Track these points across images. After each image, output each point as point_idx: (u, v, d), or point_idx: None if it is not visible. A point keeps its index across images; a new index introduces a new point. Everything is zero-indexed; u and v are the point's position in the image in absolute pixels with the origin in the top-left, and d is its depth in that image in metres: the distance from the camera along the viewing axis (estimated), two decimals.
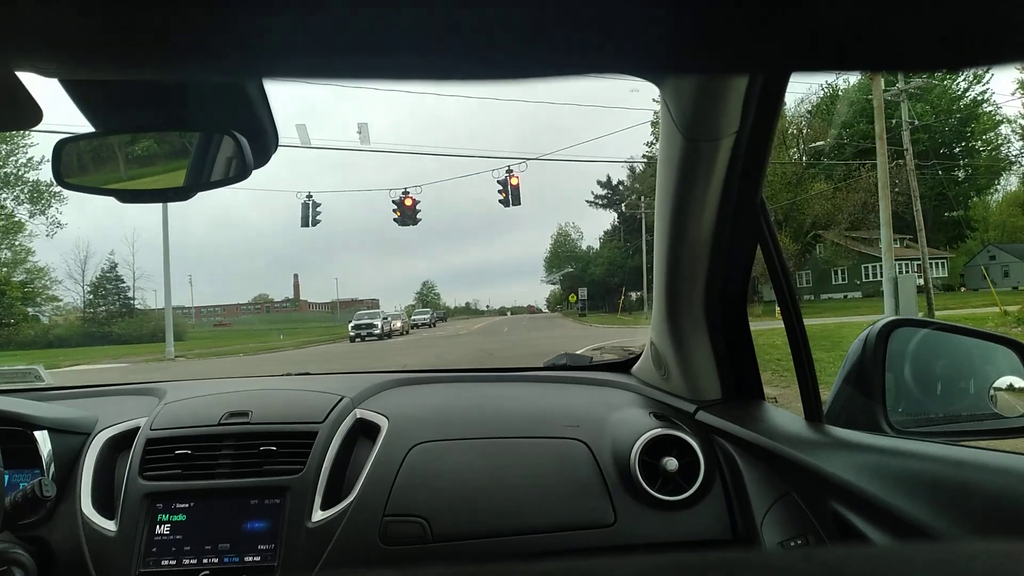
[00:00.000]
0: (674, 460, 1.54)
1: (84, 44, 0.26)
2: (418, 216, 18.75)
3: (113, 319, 44.76)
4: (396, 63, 0.27)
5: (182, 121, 0.90)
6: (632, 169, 51.00)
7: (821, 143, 35.08)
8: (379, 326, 29.92)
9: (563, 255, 68.23)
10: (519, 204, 17.99)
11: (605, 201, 58.93)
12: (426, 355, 16.47)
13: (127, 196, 0.97)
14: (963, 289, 35.50)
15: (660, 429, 1.58)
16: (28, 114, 0.67)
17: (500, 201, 18.03)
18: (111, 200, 0.96)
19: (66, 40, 0.25)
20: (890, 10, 0.24)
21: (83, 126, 0.90)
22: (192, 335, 50.66)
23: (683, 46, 0.27)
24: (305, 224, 19.51)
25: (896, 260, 34.69)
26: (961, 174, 41.06)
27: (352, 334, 29.85)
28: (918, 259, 35.42)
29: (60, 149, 0.94)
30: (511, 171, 17.87)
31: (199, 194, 0.98)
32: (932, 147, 36.81)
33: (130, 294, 47.89)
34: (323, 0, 0.24)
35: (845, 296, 36.30)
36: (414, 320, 43.70)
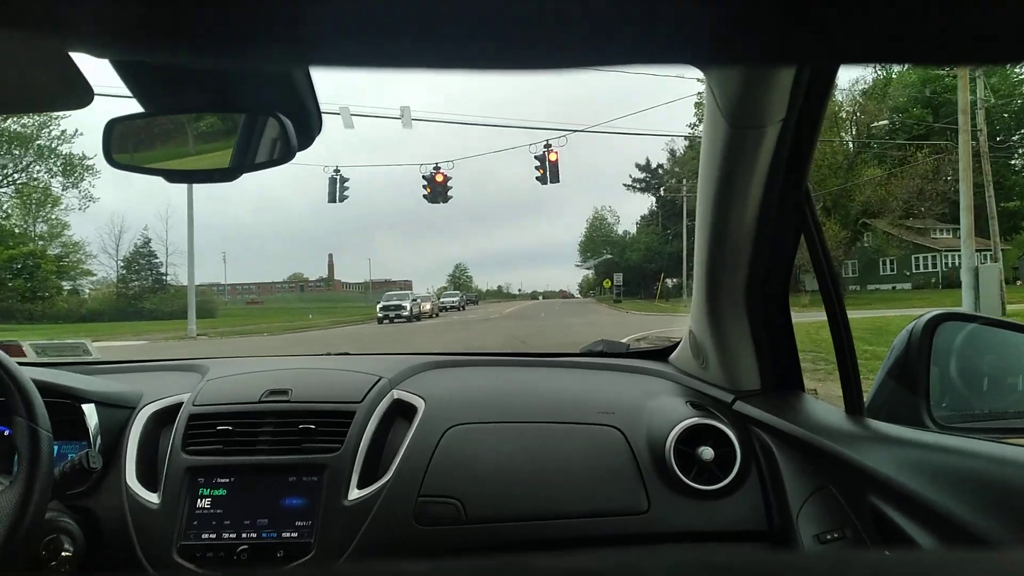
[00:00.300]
0: (710, 449, 1.53)
1: (136, 27, 0.27)
2: (449, 193, 17.92)
3: (145, 294, 45.12)
4: (440, 51, 0.27)
5: (229, 102, 0.91)
6: (672, 152, 49.98)
7: (880, 123, 33.55)
8: (408, 308, 29.32)
9: (599, 239, 67.14)
10: (557, 181, 17.02)
11: (643, 185, 57.31)
12: (451, 341, 16.19)
13: (175, 176, 0.99)
14: (1019, 283, 33.67)
15: (697, 418, 1.57)
16: (80, 94, 0.69)
17: (538, 178, 17.09)
18: (148, 176, 0.98)
19: (118, 23, 0.26)
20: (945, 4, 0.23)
21: (129, 105, 0.91)
22: (224, 312, 51.01)
23: (730, 38, 0.27)
24: (332, 200, 19.09)
25: (947, 251, 33.06)
26: (1018, 163, 39.05)
27: (380, 315, 29.30)
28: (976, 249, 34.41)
29: (111, 129, 0.95)
30: (549, 146, 16.79)
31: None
32: (990, 132, 35.12)
33: (163, 270, 48.33)
34: (360, 5, 0.24)
35: (893, 287, 35.30)
36: (442, 303, 42.39)
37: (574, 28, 0.26)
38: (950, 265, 33.71)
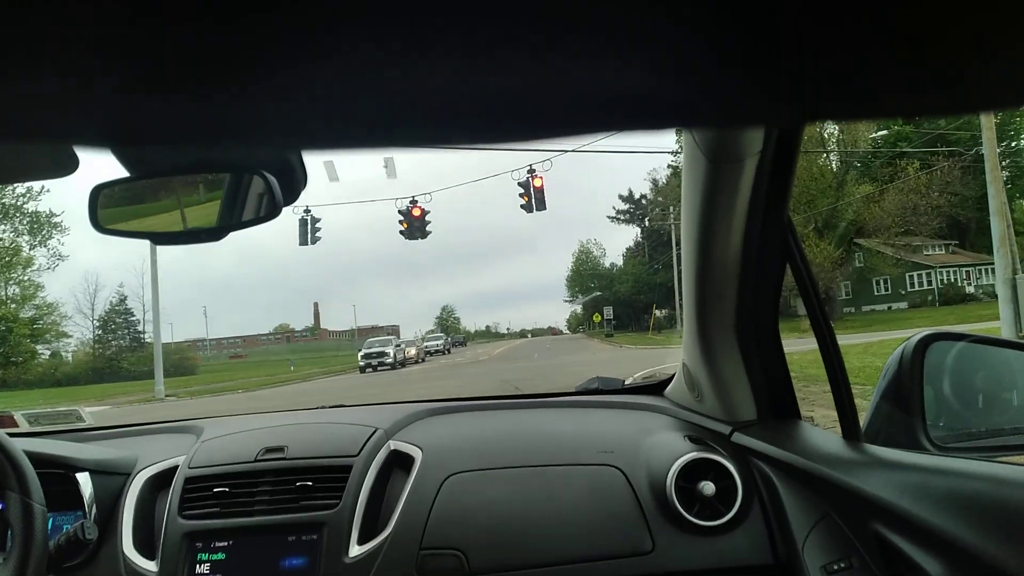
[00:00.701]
0: (711, 484, 1.52)
1: (129, 125, 0.28)
2: (428, 228, 16.48)
3: (123, 354, 43.23)
4: (423, 133, 0.28)
5: (214, 162, 0.93)
6: (655, 181, 49.41)
7: (879, 132, 32.72)
8: (391, 354, 27.28)
9: (586, 273, 66.30)
10: (544, 208, 15.62)
11: (628, 216, 56.44)
12: (438, 391, 15.07)
13: (162, 239, 1.00)
14: None
15: (695, 453, 1.56)
16: (66, 162, 0.70)
17: (523, 207, 15.71)
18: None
19: (111, 121, 0.27)
20: (911, 58, 0.24)
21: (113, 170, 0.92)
22: (205, 368, 49.25)
23: (697, 106, 0.28)
24: (304, 242, 17.95)
25: (942, 267, 32.52)
26: (1005, 174, 38.32)
27: (362, 363, 27.42)
28: (965, 265, 33.57)
29: (96, 194, 0.96)
30: (533, 171, 15.37)
31: None
32: (975, 142, 34.49)
33: (140, 327, 45.99)
34: (347, 83, 0.24)
35: (889, 307, 33.72)
36: (426, 346, 39.19)
37: (546, 109, 0.27)
38: (946, 282, 33.12)
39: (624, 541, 1.52)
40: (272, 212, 0.93)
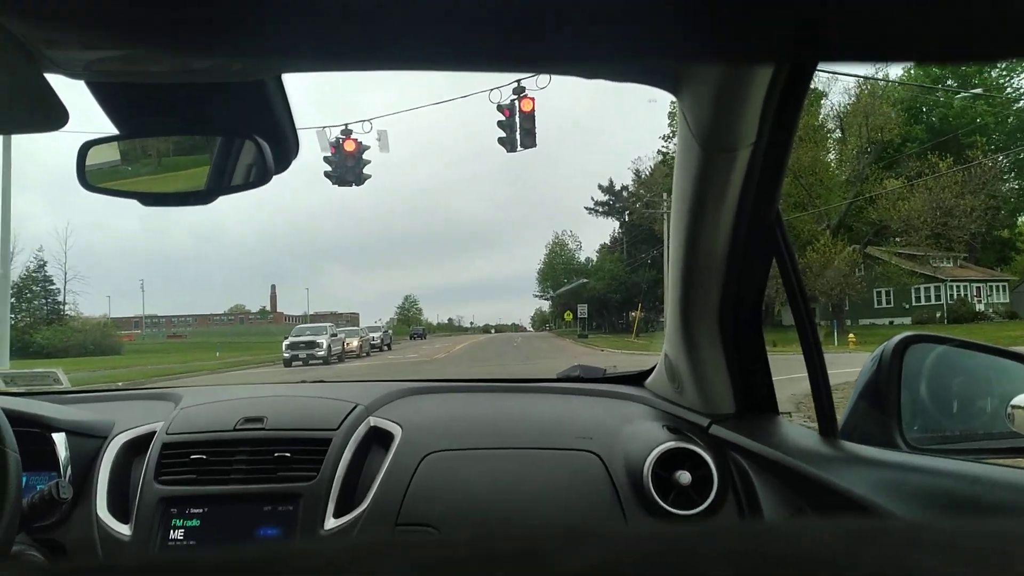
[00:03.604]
0: (687, 474, 1.53)
1: (108, 40, 0.27)
2: (366, 170, 11.81)
3: (37, 327, 38.96)
4: (407, 51, 0.27)
5: (205, 125, 0.92)
6: (637, 172, 47.04)
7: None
8: (324, 346, 22.92)
9: (559, 267, 63.88)
10: (534, 145, 10.93)
11: (607, 208, 53.03)
12: None
13: (149, 199, 0.99)
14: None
15: (673, 442, 1.57)
16: (55, 115, 0.69)
17: (501, 141, 10.99)
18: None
19: (90, 37, 0.26)
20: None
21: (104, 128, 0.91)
22: (135, 348, 45.05)
23: (711, 35, 0.27)
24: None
25: (953, 281, 30.88)
26: (1011, 187, 35.70)
27: (287, 355, 22.88)
28: (976, 280, 32.21)
29: (85, 151, 0.95)
30: (523, 91, 10.63)
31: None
32: (984, 153, 32.04)
33: (60, 298, 42.42)
34: None
35: (891, 322, 31.02)
36: (371, 338, 33.39)
37: (545, 31, 0.26)
38: (955, 297, 31.07)
39: (599, 526, 1.53)
40: (262, 178, 0.92)
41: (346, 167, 11.62)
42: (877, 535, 0.25)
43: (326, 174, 11.79)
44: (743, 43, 0.28)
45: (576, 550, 0.25)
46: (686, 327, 1.61)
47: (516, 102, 10.74)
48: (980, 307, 31.30)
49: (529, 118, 10.78)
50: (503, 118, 10.82)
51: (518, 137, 10.86)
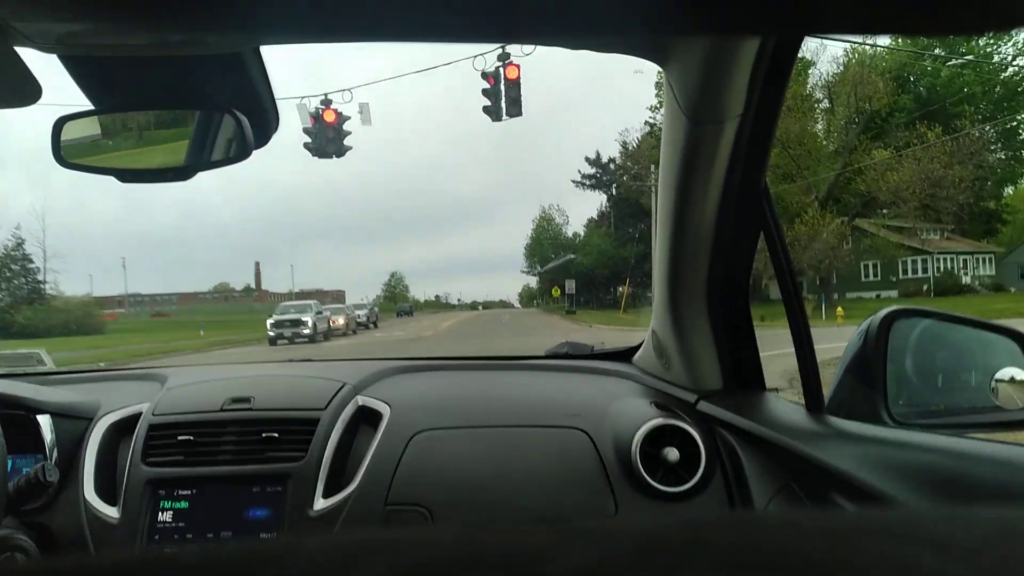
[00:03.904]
0: (675, 450, 1.54)
1: (79, 13, 0.26)
2: (346, 142, 11.53)
3: (18, 307, 37.51)
4: (388, 23, 0.26)
5: (183, 99, 0.90)
6: (624, 145, 45.36)
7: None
8: (310, 323, 22.40)
9: (547, 242, 62.81)
10: (519, 114, 10.60)
11: (594, 181, 50.87)
12: None
13: (127, 175, 0.97)
14: (1014, 291, 29.45)
15: (661, 419, 1.58)
16: (28, 90, 0.67)
17: (486, 110, 10.65)
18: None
19: (61, 9, 0.23)
20: None
21: (81, 103, 0.89)
22: (118, 327, 43.84)
23: (683, 12, 0.26)
24: None
25: (940, 253, 30.63)
26: (998, 157, 34.71)
27: (271, 334, 22.32)
28: (963, 252, 31.77)
29: (59, 127, 0.93)
30: (507, 57, 10.29)
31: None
32: (973, 122, 31.24)
33: (40, 277, 40.63)
34: None
35: (878, 295, 30.25)
36: (356, 315, 32.59)
37: (529, 3, 0.25)
38: (943, 270, 30.85)
39: (588, 504, 1.54)
40: (242, 153, 0.91)
41: (326, 138, 11.34)
42: (872, 528, 0.24)
43: (305, 145, 11.47)
44: (730, 14, 0.27)
45: (566, 550, 0.24)
46: (673, 302, 1.61)
47: (501, 69, 10.42)
48: (967, 279, 31.25)
49: (515, 86, 10.48)
50: (488, 86, 10.49)
51: (503, 106, 10.54)
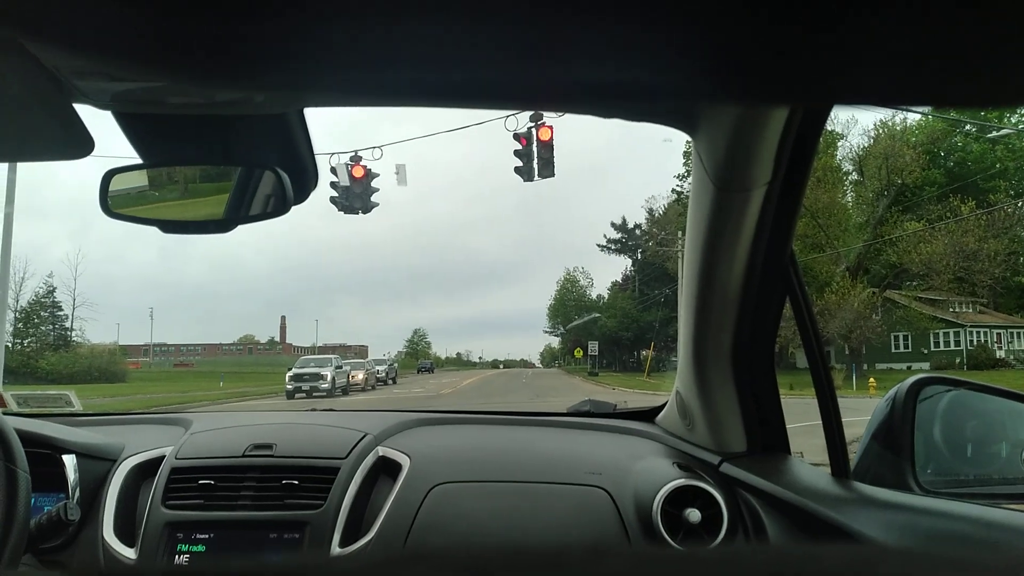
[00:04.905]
0: (697, 512, 1.52)
1: (136, 72, 0.28)
2: (374, 198, 11.56)
3: (44, 352, 38.32)
4: (425, 88, 0.28)
5: (226, 155, 0.94)
6: (651, 211, 46.39)
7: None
8: (329, 378, 22.24)
9: (570, 304, 63.01)
10: (552, 174, 10.48)
11: (619, 246, 52.30)
12: None
13: (170, 227, 1.01)
14: None
15: (683, 479, 1.56)
16: (81, 144, 0.71)
17: (518, 170, 10.62)
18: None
19: (119, 68, 0.27)
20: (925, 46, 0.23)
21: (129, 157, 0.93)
22: (140, 375, 44.35)
23: (712, 82, 0.27)
24: None
25: (973, 327, 30.37)
26: None
27: (289, 387, 22.01)
28: (996, 326, 31.31)
29: (108, 178, 0.97)
30: (540, 117, 10.08)
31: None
32: (1008, 197, 30.98)
33: (67, 324, 41.79)
34: (357, 35, 0.24)
35: (908, 367, 28.78)
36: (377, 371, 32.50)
37: (570, 69, 0.26)
38: (976, 343, 30.44)
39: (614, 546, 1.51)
40: (281, 208, 0.94)
41: (353, 194, 11.39)
42: (882, 564, 0.24)
43: (332, 200, 11.55)
44: (758, 83, 0.28)
45: (594, 566, 0.24)
46: (698, 364, 1.60)
47: (533, 130, 10.35)
48: (1000, 353, 30.64)
49: (547, 147, 10.40)
50: (520, 147, 10.46)
51: (535, 167, 10.50)
